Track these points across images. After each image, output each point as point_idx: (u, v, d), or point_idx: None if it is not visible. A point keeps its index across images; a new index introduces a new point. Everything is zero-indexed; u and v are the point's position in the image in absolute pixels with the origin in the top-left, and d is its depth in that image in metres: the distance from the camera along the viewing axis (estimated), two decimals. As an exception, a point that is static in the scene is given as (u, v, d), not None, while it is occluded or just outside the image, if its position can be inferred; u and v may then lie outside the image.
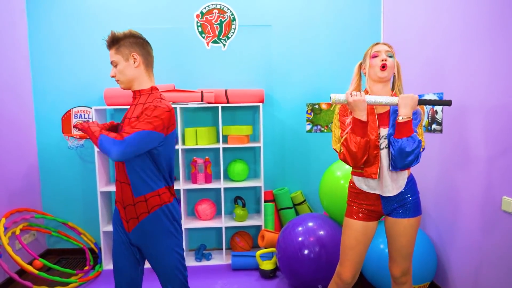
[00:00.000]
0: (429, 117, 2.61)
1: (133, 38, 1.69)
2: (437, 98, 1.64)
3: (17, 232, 2.80)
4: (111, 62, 1.69)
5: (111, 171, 3.36)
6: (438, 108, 2.50)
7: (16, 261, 2.54)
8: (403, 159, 1.68)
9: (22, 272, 2.90)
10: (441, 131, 2.49)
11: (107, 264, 3.15)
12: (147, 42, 1.74)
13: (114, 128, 1.81)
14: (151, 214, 1.68)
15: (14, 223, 2.94)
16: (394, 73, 1.80)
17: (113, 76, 1.71)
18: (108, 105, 3.08)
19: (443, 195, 2.53)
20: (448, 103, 1.71)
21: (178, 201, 2.86)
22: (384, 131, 1.76)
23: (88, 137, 1.59)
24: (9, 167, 2.95)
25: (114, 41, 1.66)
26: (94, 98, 3.33)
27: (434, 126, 2.56)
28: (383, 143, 1.75)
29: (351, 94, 1.70)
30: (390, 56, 1.76)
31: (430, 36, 2.62)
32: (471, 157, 2.21)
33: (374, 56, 1.77)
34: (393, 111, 1.77)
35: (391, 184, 1.76)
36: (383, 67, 1.74)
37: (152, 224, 1.69)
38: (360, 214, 1.84)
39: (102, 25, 3.27)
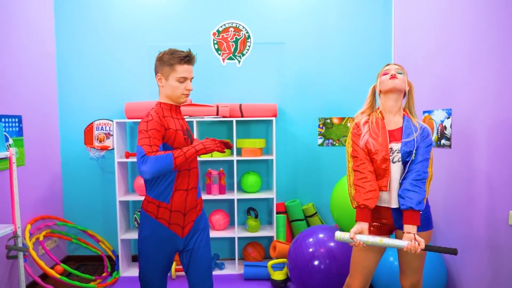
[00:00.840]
0: (438, 132, 2.66)
1: None
2: (441, 247, 1.62)
3: (41, 238, 2.95)
4: (191, 78, 1.80)
5: (129, 181, 3.50)
6: (447, 123, 2.56)
7: (40, 266, 2.68)
8: None
9: (44, 276, 3.03)
10: (450, 146, 2.54)
11: (124, 271, 3.26)
12: None
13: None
14: (202, 211, 1.93)
15: (38, 229, 3.09)
16: (405, 91, 1.86)
17: (190, 90, 1.80)
18: (128, 118, 3.24)
19: (452, 209, 2.56)
20: (453, 252, 1.63)
21: None
22: (396, 146, 1.79)
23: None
24: (35, 177, 3.12)
25: (194, 60, 1.80)
26: (115, 111, 3.50)
27: (443, 141, 2.61)
28: (396, 156, 1.78)
29: (354, 237, 1.69)
30: (400, 73, 1.84)
31: (439, 54, 2.69)
32: (478, 171, 2.25)
33: (385, 74, 1.86)
34: (406, 131, 1.80)
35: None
36: (393, 76, 1.81)
37: (203, 220, 1.92)
38: (371, 228, 1.86)
39: (124, 41, 3.47)
